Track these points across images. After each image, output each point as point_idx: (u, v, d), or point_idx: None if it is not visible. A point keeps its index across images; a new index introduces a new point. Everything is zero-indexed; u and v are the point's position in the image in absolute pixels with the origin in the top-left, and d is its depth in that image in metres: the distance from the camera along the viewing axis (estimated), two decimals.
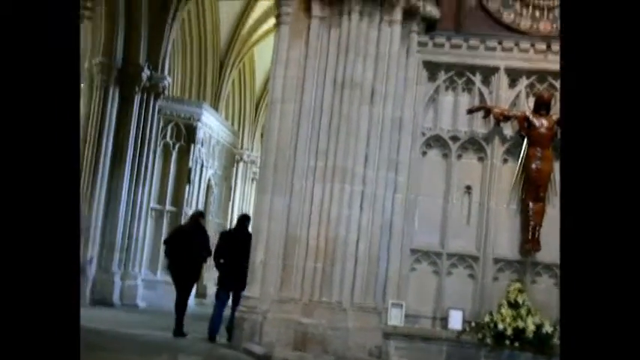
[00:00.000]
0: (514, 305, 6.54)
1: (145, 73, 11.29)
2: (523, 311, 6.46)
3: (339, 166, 6.59)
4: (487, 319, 6.54)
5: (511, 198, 6.96)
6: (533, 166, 6.82)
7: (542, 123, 6.84)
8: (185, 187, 12.28)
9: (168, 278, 8.55)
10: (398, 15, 6.98)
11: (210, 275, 12.36)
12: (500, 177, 7.02)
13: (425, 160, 7.14)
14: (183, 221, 11.00)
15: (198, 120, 12.64)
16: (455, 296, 6.89)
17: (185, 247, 7.84)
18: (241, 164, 17.26)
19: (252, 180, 17.35)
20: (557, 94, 6.88)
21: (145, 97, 11.38)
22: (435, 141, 7.23)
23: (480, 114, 7.00)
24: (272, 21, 9.14)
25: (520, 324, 6.37)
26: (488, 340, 6.48)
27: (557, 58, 6.88)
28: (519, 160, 6.94)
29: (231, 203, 16.00)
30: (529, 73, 7.13)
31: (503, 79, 7.12)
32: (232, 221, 14.32)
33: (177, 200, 12.21)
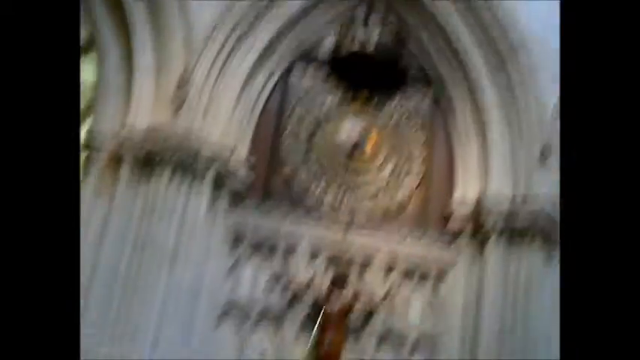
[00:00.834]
0: None
1: None
2: None
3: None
4: None
5: None
6: (326, 341, 7.16)
7: (338, 298, 7.28)
8: None
9: None
10: (208, 181, 7.51)
11: None
12: (293, 352, 7.26)
13: (219, 330, 7.22)
14: None
15: None
16: None
17: None
18: None
19: None
20: (353, 275, 7.63)
21: None
22: (233, 310, 7.36)
23: (279, 285, 7.35)
24: None
25: None
26: None
27: (357, 238, 7.89)
28: (312, 334, 7.25)
29: None
30: (328, 250, 7.83)
31: (306, 250, 7.68)
32: None
33: None
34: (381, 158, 8.35)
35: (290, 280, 7.59)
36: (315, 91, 8.56)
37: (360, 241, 7.86)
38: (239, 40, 7.86)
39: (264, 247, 7.77)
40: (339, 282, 7.59)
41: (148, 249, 6.99)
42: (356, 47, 8.36)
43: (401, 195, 8.27)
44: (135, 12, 7.74)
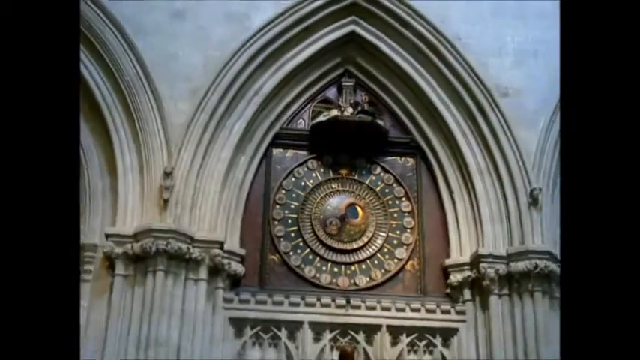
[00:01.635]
0: None
1: None
2: None
3: None
4: None
5: None
6: None
7: None
8: None
9: None
10: (203, 273, 7.85)
11: None
12: None
13: None
14: None
15: None
16: None
17: None
18: None
19: None
20: (360, 347, 7.87)
21: None
22: None
23: None
24: None
25: None
26: None
27: (357, 311, 8.15)
28: None
29: None
30: (332, 326, 8.12)
31: (307, 334, 8.04)
32: None
33: None
34: (371, 229, 8.56)
35: None
36: (299, 167, 9.01)
37: (361, 314, 8.08)
38: (216, 129, 8.37)
39: (267, 333, 8.01)
40: (347, 357, 7.67)
41: (151, 347, 7.23)
42: (333, 115, 8.86)
43: (397, 263, 8.49)
44: (114, 116, 8.22)
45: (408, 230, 8.73)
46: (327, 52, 9.05)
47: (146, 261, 7.57)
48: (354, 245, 8.55)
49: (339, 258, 8.51)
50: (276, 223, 8.60)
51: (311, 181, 8.87)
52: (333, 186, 8.88)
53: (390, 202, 8.87)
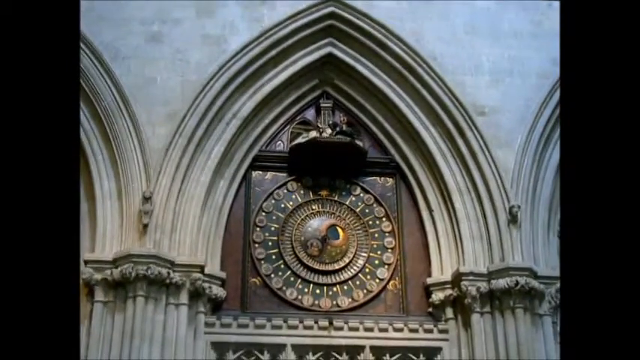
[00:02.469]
0: None
1: None
2: None
3: None
4: None
5: None
6: None
7: None
8: None
9: None
10: (184, 297, 7.89)
11: None
12: None
13: None
14: None
15: None
16: None
17: None
18: None
19: None
20: None
21: None
22: None
23: None
24: None
25: None
26: None
27: (340, 333, 8.20)
28: None
29: None
30: (315, 348, 8.21)
31: (290, 357, 8.14)
32: None
33: None
34: (352, 250, 8.67)
35: None
36: (279, 189, 9.10)
37: (344, 336, 8.16)
38: (195, 153, 8.44)
39: (250, 357, 8.08)
40: None
41: None
42: (312, 137, 8.99)
43: (379, 283, 8.61)
44: (91, 141, 8.28)
45: (389, 250, 8.84)
46: (305, 74, 9.20)
47: (126, 287, 7.58)
48: (336, 266, 8.63)
49: (321, 279, 8.58)
50: (256, 245, 8.65)
51: (291, 203, 8.96)
52: (314, 207, 8.98)
53: (371, 223, 8.99)
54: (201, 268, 7.93)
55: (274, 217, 8.86)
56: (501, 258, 8.21)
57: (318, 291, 8.54)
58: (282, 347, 8.05)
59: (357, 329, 8.19)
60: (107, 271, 7.66)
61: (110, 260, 7.70)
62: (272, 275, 8.54)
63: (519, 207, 8.36)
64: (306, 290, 8.52)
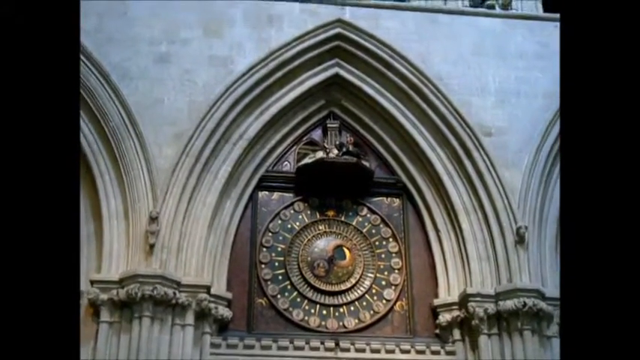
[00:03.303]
0: None
1: None
2: None
3: None
4: None
5: None
6: None
7: None
8: None
9: None
10: (190, 318, 7.88)
11: None
12: None
13: None
14: None
15: None
16: None
17: None
18: None
19: None
20: None
21: None
22: None
23: None
24: None
25: None
26: None
27: (347, 354, 8.20)
28: None
29: None
30: None
31: None
32: None
33: None
34: (359, 270, 8.68)
35: None
36: (285, 209, 9.12)
37: (351, 357, 8.19)
38: (201, 174, 8.47)
39: None
40: None
41: None
42: (319, 157, 9.01)
43: (386, 304, 8.60)
44: (98, 161, 8.33)
45: (396, 271, 8.84)
46: (312, 95, 9.27)
47: (132, 307, 7.57)
48: (342, 287, 8.63)
49: (328, 300, 8.58)
50: (263, 266, 8.66)
51: (297, 223, 8.99)
52: (320, 228, 9.00)
53: (377, 243, 9.00)
54: (207, 289, 7.92)
55: (281, 238, 8.88)
56: (509, 279, 8.20)
57: (324, 312, 8.53)
58: None
59: (363, 350, 8.17)
60: (113, 291, 7.66)
61: (116, 280, 7.71)
62: (278, 296, 8.54)
63: (527, 227, 8.36)
64: (312, 311, 8.52)
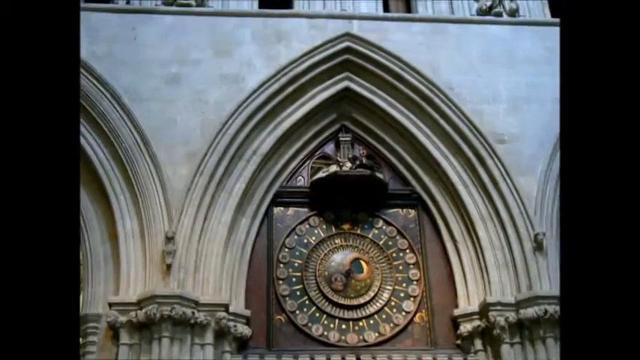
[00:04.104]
0: None
1: None
2: None
3: None
4: None
5: None
6: None
7: None
8: None
9: None
10: (209, 337, 7.83)
11: None
12: None
13: None
14: None
15: None
16: None
17: None
18: None
19: None
20: None
21: None
22: None
23: None
24: None
25: None
26: None
27: None
28: None
29: None
30: None
31: None
32: None
33: None
34: (377, 283, 8.64)
35: None
36: (301, 224, 9.10)
37: None
38: (216, 192, 8.47)
39: None
40: None
41: None
42: (332, 171, 9.02)
43: (405, 316, 8.56)
44: (113, 183, 8.37)
45: (414, 282, 8.79)
46: (323, 109, 9.28)
47: (151, 328, 7.55)
48: (361, 300, 8.57)
49: (347, 314, 8.52)
50: (280, 282, 8.64)
51: (313, 238, 8.97)
52: (336, 241, 8.97)
53: (394, 255, 8.95)
54: (225, 307, 7.90)
55: (297, 253, 8.86)
56: (528, 286, 8.13)
57: (344, 326, 8.49)
58: None
59: None
60: (132, 312, 7.64)
61: (134, 302, 7.69)
62: (297, 312, 8.50)
63: (544, 234, 8.29)
64: (331, 326, 8.47)
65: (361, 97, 9.33)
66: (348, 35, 9.35)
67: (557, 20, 9.81)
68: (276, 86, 8.96)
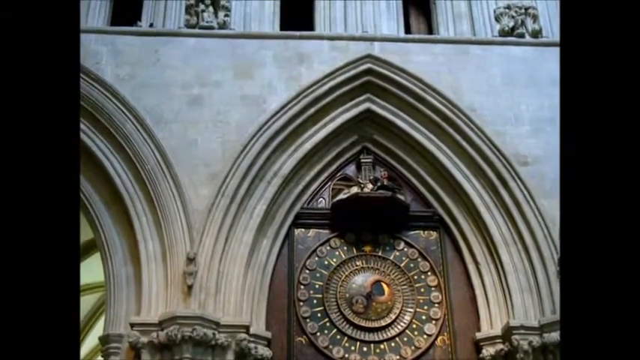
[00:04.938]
0: None
1: None
2: None
3: None
4: None
5: None
6: None
7: None
8: None
9: None
10: (230, 358, 7.87)
11: None
12: None
13: None
14: None
15: None
16: None
17: None
18: None
19: None
20: None
21: None
22: None
23: None
24: None
25: None
26: None
27: None
28: None
29: None
30: None
31: None
32: None
33: None
34: (398, 305, 8.63)
35: None
36: (322, 246, 9.12)
37: None
38: (237, 213, 8.54)
39: None
40: None
41: None
42: (353, 193, 9.05)
43: (427, 339, 8.52)
44: (135, 204, 8.48)
45: (436, 305, 8.77)
46: (344, 131, 9.33)
47: (172, 349, 7.58)
48: (382, 323, 8.55)
49: (368, 337, 8.51)
50: (301, 303, 8.66)
51: (335, 260, 8.98)
52: (357, 263, 8.98)
53: (416, 277, 8.94)
54: (246, 329, 7.92)
55: (318, 275, 8.88)
56: (552, 310, 8.06)
57: (365, 349, 8.47)
58: None
59: None
60: (153, 333, 7.69)
61: (156, 322, 7.75)
62: (318, 334, 8.51)
63: None
64: (352, 348, 8.46)
65: (382, 119, 9.37)
66: (369, 57, 9.42)
67: None
68: (297, 108, 9.05)
